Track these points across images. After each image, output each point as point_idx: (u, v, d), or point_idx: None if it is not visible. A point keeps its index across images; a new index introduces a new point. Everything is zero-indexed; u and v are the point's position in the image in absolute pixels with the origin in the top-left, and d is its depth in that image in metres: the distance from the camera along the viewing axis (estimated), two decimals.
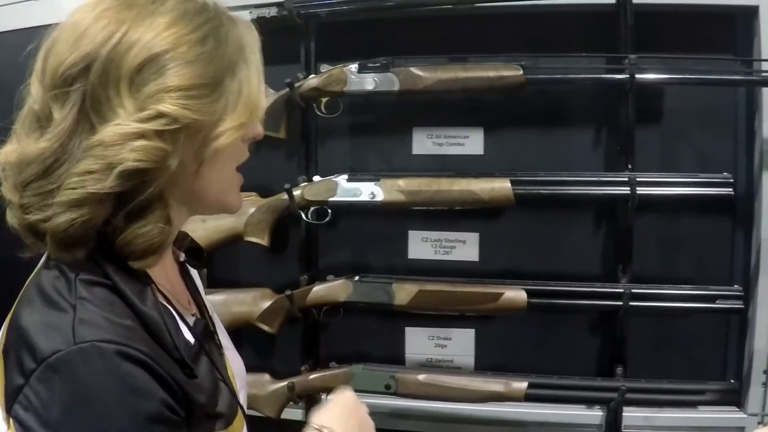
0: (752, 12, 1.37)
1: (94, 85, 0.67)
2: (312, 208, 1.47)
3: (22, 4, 1.62)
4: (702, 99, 1.42)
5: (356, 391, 1.41)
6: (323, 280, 1.49)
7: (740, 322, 1.44)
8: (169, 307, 0.75)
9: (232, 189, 0.79)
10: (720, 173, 1.36)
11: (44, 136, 0.68)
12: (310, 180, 1.49)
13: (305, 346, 1.56)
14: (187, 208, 0.78)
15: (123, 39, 0.67)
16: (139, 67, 0.67)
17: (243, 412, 0.82)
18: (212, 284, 1.53)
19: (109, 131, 0.66)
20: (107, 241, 0.69)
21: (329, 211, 1.47)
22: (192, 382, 0.69)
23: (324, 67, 1.46)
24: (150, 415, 0.63)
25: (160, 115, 0.66)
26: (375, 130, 1.55)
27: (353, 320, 1.52)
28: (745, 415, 1.40)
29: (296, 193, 1.46)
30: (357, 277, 1.46)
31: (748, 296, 1.38)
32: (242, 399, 0.86)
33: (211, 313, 0.91)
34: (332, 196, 1.45)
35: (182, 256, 0.89)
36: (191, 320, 0.79)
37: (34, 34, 0.71)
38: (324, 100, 1.47)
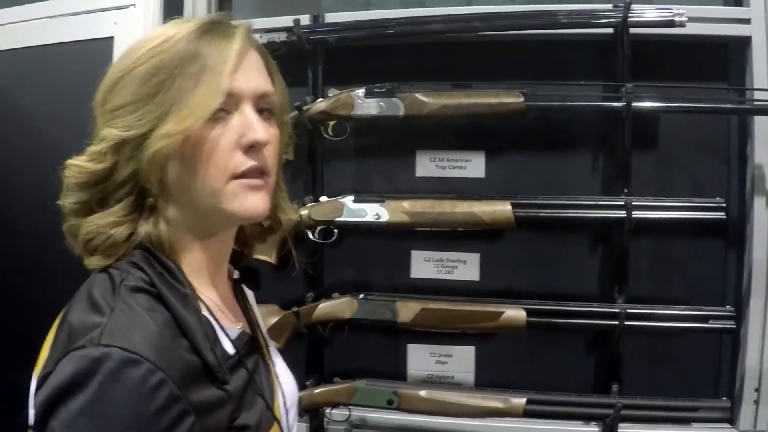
0: (745, 42, 1.42)
1: None
2: (318, 228, 1.50)
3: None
4: (696, 126, 1.45)
5: (359, 406, 1.47)
6: (329, 297, 1.51)
7: (732, 341, 1.46)
8: (210, 317, 0.75)
9: (225, 195, 0.75)
10: (713, 198, 1.39)
11: None
12: (317, 200, 1.52)
13: (310, 361, 1.58)
14: (193, 217, 0.77)
15: None
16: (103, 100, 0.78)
17: (280, 427, 0.81)
18: None
19: None
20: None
21: (335, 230, 1.49)
22: (218, 392, 0.70)
23: (332, 92, 1.49)
24: None
25: (101, 138, 0.75)
26: (380, 153, 1.58)
27: (357, 337, 1.54)
28: None
29: (303, 212, 1.49)
30: (362, 295, 1.49)
31: (739, 317, 1.41)
32: (291, 417, 0.87)
33: (264, 333, 0.92)
34: (338, 217, 1.47)
35: (235, 274, 0.90)
36: (235, 333, 0.79)
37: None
38: (331, 123, 1.50)
